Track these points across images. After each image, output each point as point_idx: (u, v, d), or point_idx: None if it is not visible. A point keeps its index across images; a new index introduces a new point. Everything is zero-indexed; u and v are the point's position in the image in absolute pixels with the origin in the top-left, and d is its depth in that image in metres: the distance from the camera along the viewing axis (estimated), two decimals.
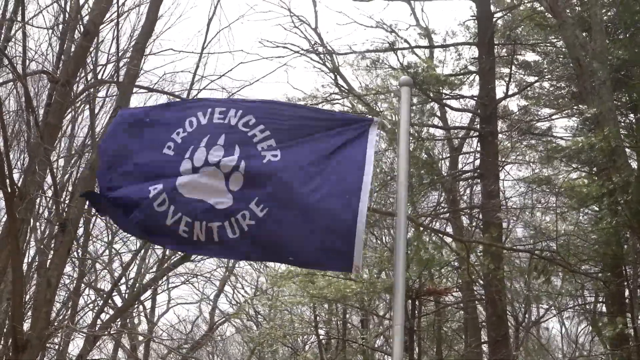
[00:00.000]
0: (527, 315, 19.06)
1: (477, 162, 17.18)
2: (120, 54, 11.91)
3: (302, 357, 18.19)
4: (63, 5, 11.19)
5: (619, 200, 11.86)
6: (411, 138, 15.60)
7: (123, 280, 15.81)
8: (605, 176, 12.36)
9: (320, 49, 17.23)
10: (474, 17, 17.14)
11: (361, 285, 14.31)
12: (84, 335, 11.38)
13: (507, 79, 16.96)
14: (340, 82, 17.30)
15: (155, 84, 13.67)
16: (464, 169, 18.30)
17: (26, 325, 9.09)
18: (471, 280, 15.40)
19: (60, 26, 11.81)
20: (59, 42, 11.64)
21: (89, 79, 11.96)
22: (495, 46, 17.25)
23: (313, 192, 3.81)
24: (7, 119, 11.65)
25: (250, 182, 3.84)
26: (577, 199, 13.55)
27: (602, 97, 12.15)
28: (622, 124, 15.22)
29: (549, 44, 17.28)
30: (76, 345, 14.72)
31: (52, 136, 9.31)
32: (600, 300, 16.56)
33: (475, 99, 17.05)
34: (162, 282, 18.22)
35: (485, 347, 16.70)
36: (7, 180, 7.59)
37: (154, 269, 15.68)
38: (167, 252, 13.52)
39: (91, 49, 10.43)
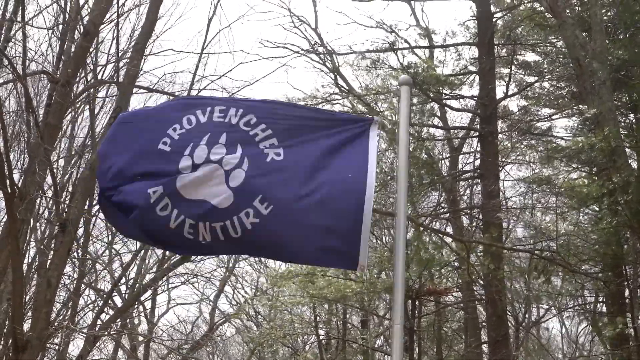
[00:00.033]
0: (527, 316, 19.06)
1: (477, 162, 17.19)
2: (120, 54, 11.93)
3: (302, 358, 18.19)
4: (63, 6, 11.21)
5: (619, 200, 11.86)
6: (411, 138, 15.60)
7: (123, 280, 15.82)
8: (605, 176, 12.36)
9: (320, 49, 17.25)
10: (474, 17, 17.14)
11: (361, 285, 14.31)
12: (84, 335, 11.37)
13: (507, 79, 16.97)
14: (340, 82, 17.32)
15: (155, 84, 13.68)
16: (464, 169, 18.31)
17: (26, 326, 9.09)
18: (471, 280, 15.41)
19: (60, 26, 11.82)
20: (59, 42, 11.65)
21: (89, 79, 11.97)
22: (495, 46, 17.25)
23: (316, 192, 3.79)
24: (7, 119, 11.65)
25: (253, 180, 3.82)
26: (577, 199, 13.55)
27: (602, 97, 12.15)
28: (622, 124, 15.22)
29: (549, 44, 17.28)
30: (76, 346, 14.70)
31: (52, 136, 9.31)
32: (600, 300, 16.57)
33: (475, 99, 17.06)
34: (162, 283, 18.22)
35: (485, 347, 16.70)
36: (7, 181, 7.60)
37: (154, 270, 15.69)
38: (167, 253, 13.50)
39: (91, 49, 10.45)
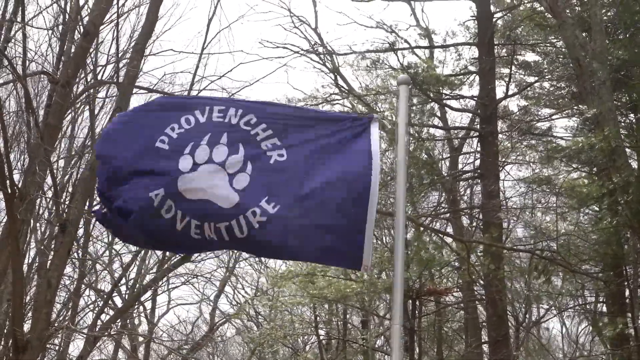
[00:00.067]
0: (527, 316, 19.05)
1: (477, 162, 17.19)
2: (120, 54, 11.93)
3: (303, 358, 18.20)
4: (63, 6, 11.21)
5: (619, 200, 11.86)
6: (411, 138, 15.62)
7: (123, 281, 15.84)
8: (605, 176, 12.37)
9: (320, 49, 17.25)
10: (474, 18, 17.14)
11: (361, 285, 14.31)
12: (84, 336, 11.37)
13: (507, 79, 16.97)
14: (340, 82, 17.32)
15: (155, 84, 13.69)
16: (464, 169, 18.31)
17: (26, 326, 9.09)
18: (471, 280, 15.40)
19: (60, 27, 11.83)
20: (59, 43, 11.66)
21: (88, 79, 11.97)
22: (495, 46, 17.25)
23: (318, 192, 3.80)
24: (7, 119, 11.66)
25: (258, 182, 3.82)
26: (577, 199, 13.56)
27: (602, 97, 12.15)
28: (622, 124, 15.21)
29: (548, 44, 17.27)
30: (76, 346, 14.71)
31: (52, 137, 9.31)
32: (600, 300, 16.57)
33: (475, 99, 17.06)
34: (162, 283, 18.23)
35: (485, 347, 16.70)
36: (8, 181, 7.60)
37: (154, 270, 15.68)
38: (167, 253, 13.49)
39: (91, 49, 10.44)
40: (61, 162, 13.60)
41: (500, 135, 16.84)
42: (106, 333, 11.91)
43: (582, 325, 20.77)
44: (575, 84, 15.88)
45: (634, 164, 13.82)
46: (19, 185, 8.92)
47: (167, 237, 3.90)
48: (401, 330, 3.72)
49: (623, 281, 13.48)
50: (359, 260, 3.78)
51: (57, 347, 12.76)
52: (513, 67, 16.97)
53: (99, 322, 12.17)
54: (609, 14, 15.12)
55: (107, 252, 16.33)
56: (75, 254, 12.66)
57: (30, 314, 10.46)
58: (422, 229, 14.75)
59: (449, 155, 18.66)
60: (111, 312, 13.68)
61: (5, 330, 10.84)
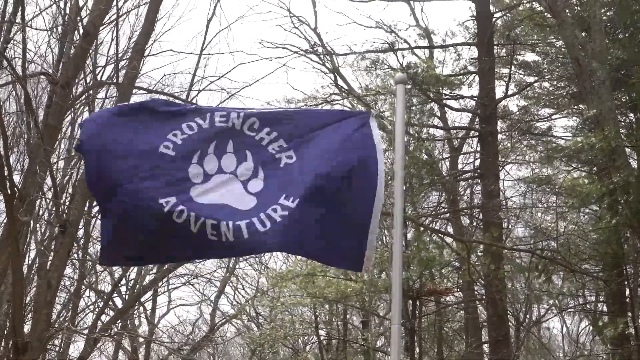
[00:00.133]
0: (527, 315, 19.03)
1: (477, 162, 17.19)
2: (119, 55, 11.95)
3: (303, 358, 18.19)
4: (62, 7, 11.22)
5: (619, 199, 11.87)
6: (411, 138, 15.63)
7: (123, 281, 15.85)
8: (605, 176, 12.37)
9: (320, 50, 17.25)
10: (473, 18, 17.14)
11: (362, 285, 14.31)
12: (85, 337, 11.39)
13: (506, 79, 16.96)
14: (340, 82, 17.32)
15: (154, 85, 13.70)
16: (464, 169, 18.31)
17: (27, 327, 9.10)
18: (472, 280, 15.39)
19: (60, 28, 11.83)
20: (59, 43, 11.68)
21: (88, 80, 11.98)
22: (495, 46, 17.24)
23: (326, 191, 3.83)
24: (7, 120, 11.66)
25: (272, 185, 3.84)
26: (578, 198, 13.55)
27: (601, 97, 12.15)
28: (622, 123, 15.21)
29: (548, 44, 17.28)
30: (77, 347, 14.70)
31: (52, 138, 9.31)
32: (601, 299, 16.55)
33: (475, 99, 17.06)
34: (162, 284, 18.24)
35: (486, 347, 16.69)
36: (7, 182, 7.60)
37: (155, 270, 15.67)
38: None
39: (91, 50, 10.44)
40: (61, 163, 13.62)
41: (500, 135, 16.85)
42: (106, 334, 11.92)
43: (582, 325, 20.80)
44: (574, 84, 15.88)
45: (634, 164, 13.83)
46: (19, 186, 8.91)
47: (178, 244, 3.81)
48: (400, 330, 3.72)
49: (623, 280, 13.48)
50: (359, 262, 3.80)
51: (57, 348, 12.76)
52: (512, 67, 16.96)
53: (99, 323, 12.20)
54: (608, 13, 15.12)
55: None
56: (76, 255, 12.67)
57: (30, 315, 10.46)
58: (422, 229, 14.74)
59: (449, 155, 18.66)
60: (111, 313, 13.70)
61: (5, 332, 10.84)
